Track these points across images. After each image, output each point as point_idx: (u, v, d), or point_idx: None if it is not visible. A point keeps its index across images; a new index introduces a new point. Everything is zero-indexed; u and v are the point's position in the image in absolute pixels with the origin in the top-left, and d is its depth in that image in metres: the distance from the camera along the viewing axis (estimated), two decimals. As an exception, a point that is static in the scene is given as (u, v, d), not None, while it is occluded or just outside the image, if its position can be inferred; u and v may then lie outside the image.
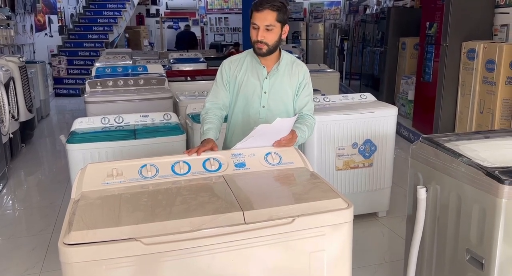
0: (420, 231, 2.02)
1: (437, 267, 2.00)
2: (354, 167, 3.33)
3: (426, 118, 5.36)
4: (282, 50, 2.28)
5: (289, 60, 2.28)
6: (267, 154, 1.89)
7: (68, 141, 2.86)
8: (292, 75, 2.25)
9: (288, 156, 1.90)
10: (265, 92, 2.22)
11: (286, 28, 2.17)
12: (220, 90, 2.28)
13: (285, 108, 2.28)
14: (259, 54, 2.17)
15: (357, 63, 8.77)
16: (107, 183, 1.69)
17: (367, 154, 3.33)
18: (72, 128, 3.10)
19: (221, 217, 1.41)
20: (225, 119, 2.36)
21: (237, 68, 2.25)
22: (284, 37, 2.18)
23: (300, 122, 2.20)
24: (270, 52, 2.16)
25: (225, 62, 2.31)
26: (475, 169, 1.73)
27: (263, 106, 2.24)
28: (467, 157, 1.80)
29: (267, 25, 2.09)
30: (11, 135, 5.01)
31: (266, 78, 2.22)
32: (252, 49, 2.23)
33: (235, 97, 2.27)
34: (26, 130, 5.90)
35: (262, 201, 1.54)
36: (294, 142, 1.98)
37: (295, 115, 2.25)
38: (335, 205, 1.51)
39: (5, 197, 4.28)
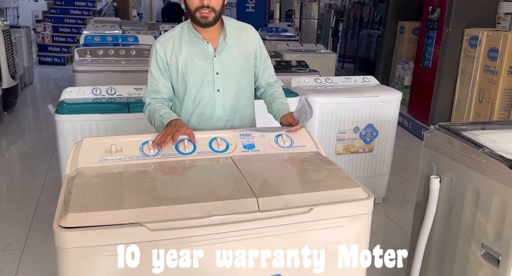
0: (430, 222, 1.94)
1: (446, 260, 1.92)
2: (354, 152, 3.23)
3: (422, 104, 5.28)
4: (222, 16, 1.91)
5: (233, 27, 1.93)
6: (277, 136, 1.76)
7: (57, 111, 2.68)
8: (243, 44, 1.93)
9: (299, 139, 1.77)
10: (217, 73, 1.89)
11: None
12: (160, 82, 1.91)
13: (244, 85, 1.98)
14: (204, 24, 1.80)
15: (352, 45, 8.63)
16: (105, 159, 1.54)
17: (368, 139, 3.23)
18: (61, 98, 2.91)
19: (234, 203, 1.29)
20: None
21: (174, 51, 1.87)
22: (225, 2, 1.87)
23: (278, 95, 2.02)
24: (216, 20, 1.82)
25: (157, 46, 1.88)
26: (498, 161, 1.64)
27: (218, 90, 1.90)
28: (488, 148, 1.70)
29: None
30: (-7, 102, 4.78)
31: (215, 56, 1.88)
32: (185, 23, 1.92)
33: (181, 86, 1.91)
34: (8, 98, 5.66)
35: (276, 187, 1.42)
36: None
37: (261, 88, 2.08)
38: (355, 195, 1.40)
39: (-15, 167, 4.10)
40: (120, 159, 1.55)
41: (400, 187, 3.79)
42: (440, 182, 1.90)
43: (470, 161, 1.76)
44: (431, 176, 1.91)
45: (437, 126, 1.98)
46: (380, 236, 3.04)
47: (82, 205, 1.24)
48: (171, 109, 1.97)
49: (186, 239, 1.23)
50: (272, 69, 2.09)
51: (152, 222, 1.20)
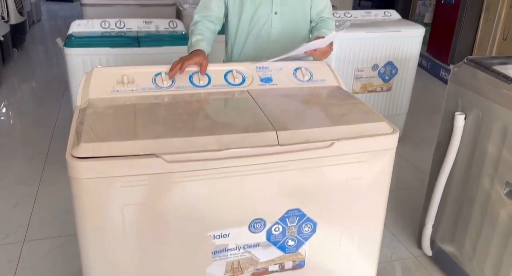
0: (452, 160, 1.89)
1: (465, 199, 1.88)
2: (372, 90, 3.13)
3: (442, 42, 5.06)
4: None
5: None
6: (296, 69, 1.67)
7: (66, 45, 2.60)
8: None
9: (319, 72, 1.68)
10: None
11: None
12: (212, 0, 1.89)
13: (301, 11, 1.93)
14: None
15: (370, -20, 8.19)
16: (117, 90, 1.48)
17: (386, 78, 3.11)
18: (70, 31, 2.81)
19: (252, 136, 1.23)
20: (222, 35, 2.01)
21: None
22: None
23: (323, 27, 1.93)
24: None
25: None
26: (531, 97, 1.55)
27: (275, 13, 1.87)
28: (521, 83, 1.61)
29: None
30: (2, 38, 4.67)
31: None
32: None
33: (239, 6, 1.88)
34: (17, 34, 5.53)
35: (296, 121, 1.35)
36: (329, 55, 1.74)
37: (313, 22, 1.99)
38: (379, 129, 1.33)
39: (-2, 104, 4.08)
40: (132, 90, 1.49)
41: (417, 127, 3.71)
42: (465, 119, 1.82)
43: (499, 96, 1.67)
44: (456, 113, 1.83)
45: (465, 60, 1.87)
46: (394, 175, 3.00)
47: (95, 135, 1.19)
48: (224, 34, 1.95)
49: (203, 171, 1.19)
50: (327, 3, 2.00)
51: (168, 154, 1.16)
